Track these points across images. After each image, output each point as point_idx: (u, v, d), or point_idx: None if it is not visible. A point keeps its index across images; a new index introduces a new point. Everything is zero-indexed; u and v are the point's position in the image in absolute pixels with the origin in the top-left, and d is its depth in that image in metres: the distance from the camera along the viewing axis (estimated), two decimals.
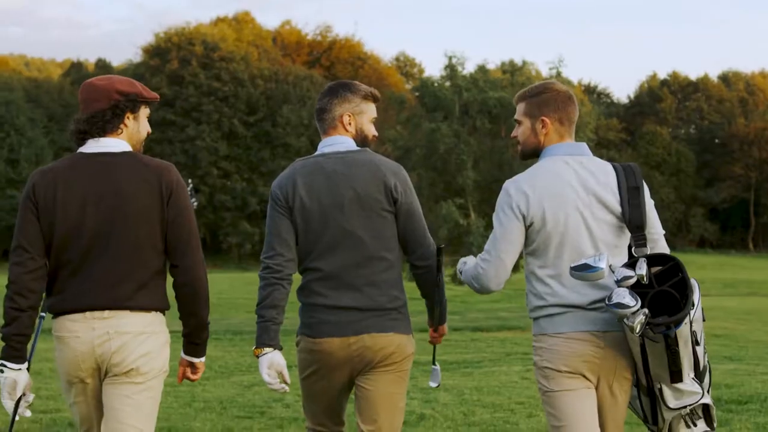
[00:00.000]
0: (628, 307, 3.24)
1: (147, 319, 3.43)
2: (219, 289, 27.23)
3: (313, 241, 3.71)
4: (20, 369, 3.37)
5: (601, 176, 3.59)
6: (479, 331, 15.47)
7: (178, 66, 61.94)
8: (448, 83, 44.14)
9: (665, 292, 3.36)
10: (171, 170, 3.48)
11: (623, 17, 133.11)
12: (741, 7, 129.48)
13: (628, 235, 3.60)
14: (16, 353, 3.37)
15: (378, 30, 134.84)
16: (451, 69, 43.86)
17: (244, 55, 64.07)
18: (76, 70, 71.75)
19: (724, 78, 79.78)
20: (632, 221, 3.54)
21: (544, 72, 48.26)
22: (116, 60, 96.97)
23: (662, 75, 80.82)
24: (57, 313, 3.43)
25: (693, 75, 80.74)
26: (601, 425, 3.61)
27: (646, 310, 3.25)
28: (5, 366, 3.36)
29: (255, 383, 8.89)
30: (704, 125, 76.68)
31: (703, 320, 3.48)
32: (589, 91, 74.35)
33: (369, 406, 3.74)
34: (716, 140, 75.67)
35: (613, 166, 3.63)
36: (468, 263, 3.75)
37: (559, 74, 44.83)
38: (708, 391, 3.55)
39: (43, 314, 3.55)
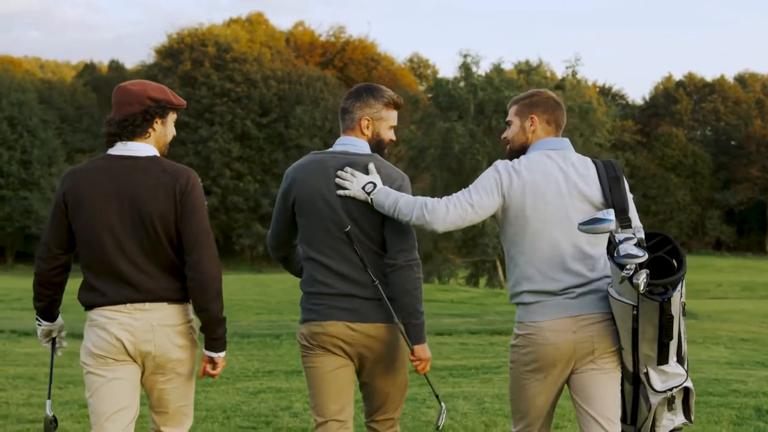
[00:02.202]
0: (638, 256, 3.37)
1: (180, 310, 3.73)
2: (230, 290, 26.57)
3: (311, 234, 3.92)
4: (52, 323, 3.91)
5: (582, 169, 3.81)
6: (497, 334, 14.95)
7: (191, 67, 61.71)
8: (462, 83, 43.58)
9: (655, 263, 3.50)
10: (186, 174, 3.72)
11: (638, 18, 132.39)
12: (757, 8, 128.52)
13: None
14: (48, 315, 3.89)
15: (392, 31, 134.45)
16: (466, 68, 43.31)
17: (257, 56, 63.77)
18: (89, 71, 71.65)
19: (741, 79, 79.09)
20: (616, 205, 3.73)
21: (561, 71, 47.72)
22: (129, 61, 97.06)
23: (678, 76, 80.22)
24: (94, 306, 3.71)
25: (709, 76, 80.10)
26: (590, 403, 3.76)
27: (647, 271, 3.38)
28: (41, 322, 3.90)
29: (261, 390, 8.41)
30: (720, 127, 76.06)
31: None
32: (604, 92, 73.74)
33: (376, 397, 3.99)
34: (732, 142, 75.06)
35: (594, 161, 3.86)
36: (406, 195, 3.80)
37: (574, 74, 44.24)
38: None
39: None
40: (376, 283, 3.83)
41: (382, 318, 3.85)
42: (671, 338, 3.52)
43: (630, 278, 3.40)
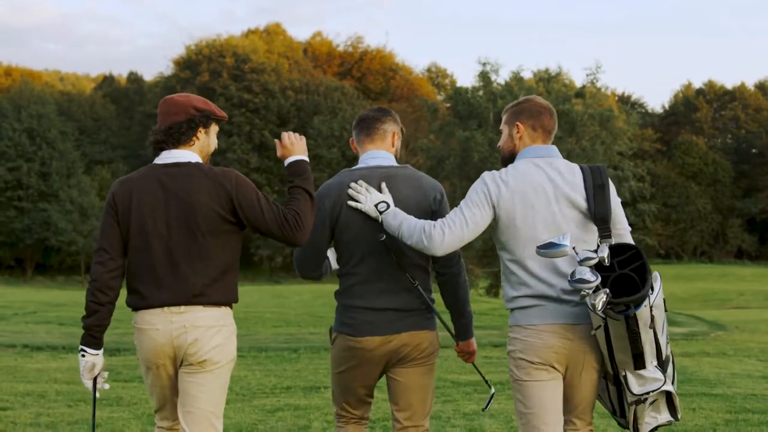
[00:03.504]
0: (589, 282, 3.50)
1: (218, 314, 3.84)
2: (247, 302, 26.34)
3: (352, 247, 4.03)
4: (98, 354, 3.90)
5: (569, 176, 3.89)
6: None
7: (209, 78, 61.73)
8: (481, 92, 43.18)
9: (626, 276, 3.63)
10: (229, 175, 3.86)
11: (657, 26, 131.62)
12: None
13: (595, 230, 3.87)
14: (95, 341, 3.88)
15: (410, 41, 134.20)
16: (485, 76, 42.93)
17: (275, 66, 63.72)
18: (108, 83, 71.81)
19: (761, 87, 78.45)
20: (597, 214, 3.82)
21: (581, 79, 47.18)
22: (148, 73, 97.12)
23: (697, 84, 79.71)
24: (138, 308, 3.87)
25: (729, 84, 79.46)
26: (570, 410, 3.90)
27: (607, 290, 3.51)
28: (86, 351, 3.87)
29: (279, 408, 8.08)
30: (741, 135, 75.42)
31: (665, 310, 3.72)
32: (623, 100, 73.27)
33: (403, 396, 4.08)
34: (753, 150, 74.44)
35: (581, 167, 3.93)
36: (410, 219, 3.90)
37: (593, 83, 43.78)
38: (673, 381, 3.82)
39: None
40: (418, 287, 4.02)
41: (416, 326, 4.02)
42: (639, 350, 3.64)
43: (588, 298, 3.53)
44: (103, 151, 63.52)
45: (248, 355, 12.91)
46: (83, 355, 3.88)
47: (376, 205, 3.96)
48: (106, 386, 4.01)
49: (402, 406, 4.08)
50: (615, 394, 3.89)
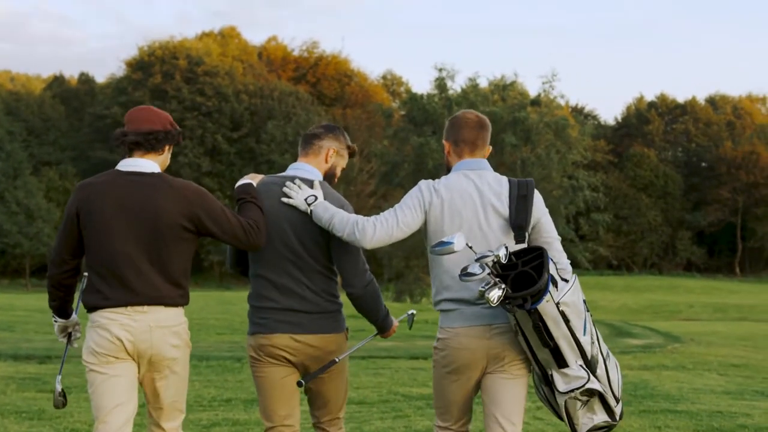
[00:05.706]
0: (474, 275, 3.75)
1: (178, 313, 4.10)
2: (191, 308, 25.25)
3: (260, 253, 4.27)
4: (67, 320, 4.31)
5: (496, 186, 4.16)
6: None
7: (162, 80, 60.85)
8: (437, 98, 42.90)
9: (530, 276, 3.80)
10: (190, 187, 4.11)
11: (610, 39, 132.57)
12: (729, 31, 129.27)
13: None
14: (63, 313, 4.29)
15: (365, 47, 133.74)
16: (441, 82, 42.64)
17: (228, 69, 62.98)
18: (58, 83, 70.42)
19: (712, 101, 79.34)
20: (514, 221, 4.08)
21: (536, 87, 47.17)
22: (100, 75, 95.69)
23: (650, 97, 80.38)
24: (99, 307, 4.04)
25: (681, 97, 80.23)
26: (498, 403, 4.09)
27: (503, 285, 3.71)
28: (56, 318, 4.29)
29: (216, 422, 7.49)
30: (692, 148, 76.15)
31: (587, 311, 3.95)
32: (577, 112, 73.55)
33: (318, 398, 4.36)
34: (703, 163, 75.23)
35: (509, 180, 4.19)
36: (342, 212, 4.13)
37: (546, 92, 43.67)
38: (612, 384, 4.00)
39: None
40: (321, 292, 4.25)
41: (322, 329, 4.24)
42: (549, 345, 3.82)
43: (485, 292, 3.72)
44: (52, 152, 62.20)
45: None
46: (55, 321, 4.29)
47: (305, 199, 4.18)
48: (78, 334, 4.36)
49: (321, 409, 4.38)
50: (551, 395, 4.03)
